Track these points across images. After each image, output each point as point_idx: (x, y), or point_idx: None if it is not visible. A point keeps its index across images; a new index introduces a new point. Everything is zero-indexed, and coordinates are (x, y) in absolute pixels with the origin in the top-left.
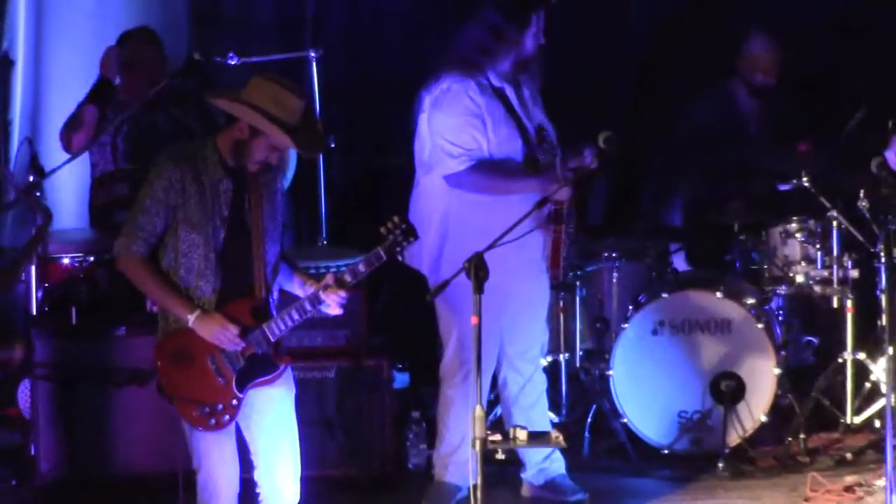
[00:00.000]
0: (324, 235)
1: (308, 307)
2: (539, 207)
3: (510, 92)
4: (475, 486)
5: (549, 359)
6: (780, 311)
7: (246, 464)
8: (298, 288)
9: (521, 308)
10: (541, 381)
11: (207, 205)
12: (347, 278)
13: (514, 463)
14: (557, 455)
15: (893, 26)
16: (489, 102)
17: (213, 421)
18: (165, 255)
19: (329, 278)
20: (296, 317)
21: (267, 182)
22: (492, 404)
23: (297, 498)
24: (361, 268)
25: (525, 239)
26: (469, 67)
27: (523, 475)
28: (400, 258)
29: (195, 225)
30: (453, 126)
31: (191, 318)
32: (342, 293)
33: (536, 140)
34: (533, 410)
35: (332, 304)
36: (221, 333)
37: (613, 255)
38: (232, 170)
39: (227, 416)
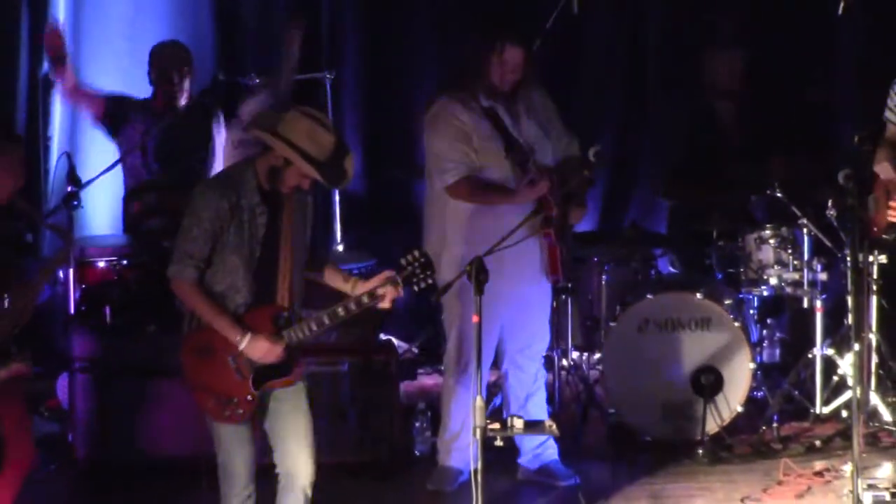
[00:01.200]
0: (338, 240)
1: (326, 321)
2: (534, 216)
3: (501, 110)
4: (476, 471)
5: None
6: (755, 311)
7: (265, 449)
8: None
9: (521, 308)
10: (539, 376)
11: (246, 228)
12: (365, 300)
13: (512, 449)
14: (551, 442)
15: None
16: (475, 120)
17: (227, 413)
18: (206, 272)
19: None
20: (314, 328)
21: (300, 198)
22: (491, 395)
23: (313, 479)
24: (380, 292)
25: (522, 245)
26: (456, 89)
27: (520, 461)
28: (416, 290)
29: (235, 248)
30: (444, 144)
31: (242, 343)
32: (355, 311)
33: (527, 151)
34: (530, 402)
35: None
36: (270, 353)
37: (603, 259)
38: (267, 193)
39: (241, 411)
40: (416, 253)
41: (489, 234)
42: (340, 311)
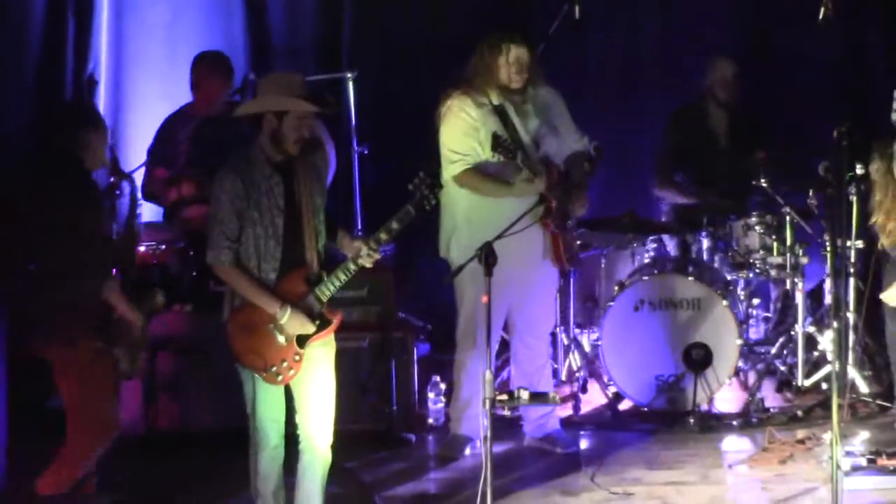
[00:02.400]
0: (358, 228)
1: (352, 267)
2: (536, 207)
3: (510, 107)
4: (485, 438)
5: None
6: (743, 292)
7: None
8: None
9: (526, 290)
10: (545, 353)
11: (265, 201)
12: (382, 236)
13: (518, 419)
14: (554, 413)
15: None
16: (484, 116)
17: (280, 378)
18: (239, 250)
19: (364, 246)
20: (342, 277)
21: (308, 162)
22: (498, 369)
23: (330, 440)
24: (394, 225)
25: (525, 232)
26: (468, 87)
27: (525, 429)
28: (428, 208)
29: (258, 221)
30: (453, 137)
31: (283, 318)
32: (377, 254)
33: (514, 148)
34: (536, 376)
35: (368, 262)
36: (305, 328)
37: (602, 244)
38: (277, 165)
39: (293, 371)
40: (421, 175)
41: (493, 222)
42: (342, 275)
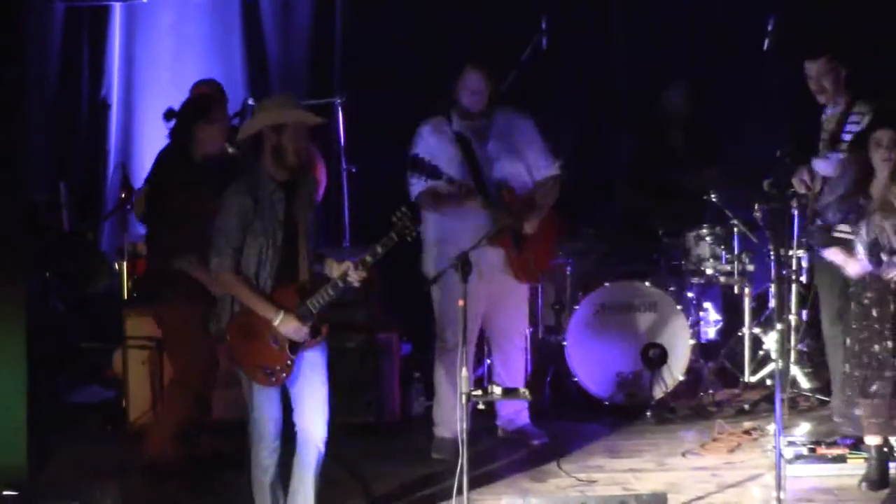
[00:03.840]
0: (346, 238)
1: (340, 284)
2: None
3: (470, 134)
4: (462, 430)
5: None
6: (695, 296)
7: (290, 410)
8: (326, 269)
9: (494, 303)
10: (519, 356)
11: (267, 215)
12: (368, 258)
13: (491, 413)
14: (524, 408)
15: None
16: (440, 142)
17: (273, 379)
18: (240, 259)
19: (352, 266)
20: (331, 292)
21: (305, 187)
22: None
23: (325, 435)
24: (379, 250)
25: (484, 250)
26: (436, 113)
27: (497, 423)
28: (409, 239)
29: (260, 233)
30: (411, 160)
31: (277, 320)
32: (364, 273)
33: (486, 174)
34: (508, 375)
35: (355, 281)
36: (296, 332)
37: (567, 254)
38: (280, 182)
39: (284, 374)
40: (403, 209)
41: (458, 235)
42: (331, 290)
